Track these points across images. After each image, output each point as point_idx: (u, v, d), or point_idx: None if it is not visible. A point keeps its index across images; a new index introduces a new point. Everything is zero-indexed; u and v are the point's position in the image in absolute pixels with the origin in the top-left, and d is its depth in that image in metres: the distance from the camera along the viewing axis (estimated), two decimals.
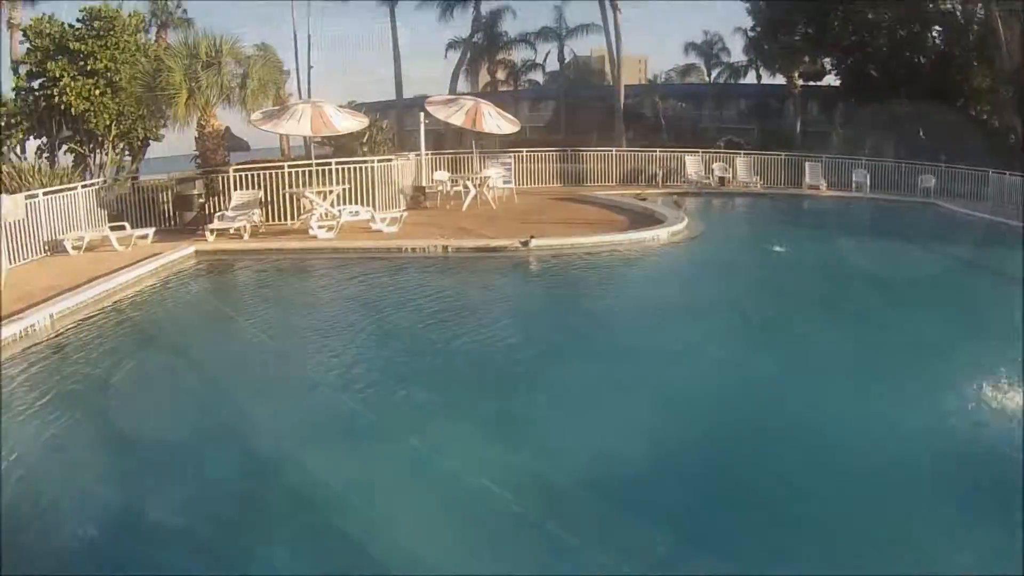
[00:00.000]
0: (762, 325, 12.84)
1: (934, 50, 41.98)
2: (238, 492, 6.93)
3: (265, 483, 7.03)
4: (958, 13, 41.24)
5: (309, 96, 48.64)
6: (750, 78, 64.58)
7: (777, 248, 19.61)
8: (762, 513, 6.54)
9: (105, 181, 22.78)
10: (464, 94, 30.21)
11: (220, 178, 22.02)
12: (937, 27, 42.04)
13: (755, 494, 6.84)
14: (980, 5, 39.83)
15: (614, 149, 37.08)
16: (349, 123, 22.70)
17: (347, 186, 22.03)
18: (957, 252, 20.65)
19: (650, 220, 21.94)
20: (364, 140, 28.50)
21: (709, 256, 18.97)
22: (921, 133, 41.33)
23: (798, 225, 27.37)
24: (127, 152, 29.58)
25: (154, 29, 43.81)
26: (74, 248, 17.82)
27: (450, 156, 31.58)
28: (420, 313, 12.94)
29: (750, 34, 53.89)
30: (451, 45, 58.86)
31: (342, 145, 29.02)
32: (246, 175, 21.84)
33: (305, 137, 24.85)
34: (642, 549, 5.97)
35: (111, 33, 25.66)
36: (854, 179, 33.77)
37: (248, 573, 5.78)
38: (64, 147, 26.97)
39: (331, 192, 21.29)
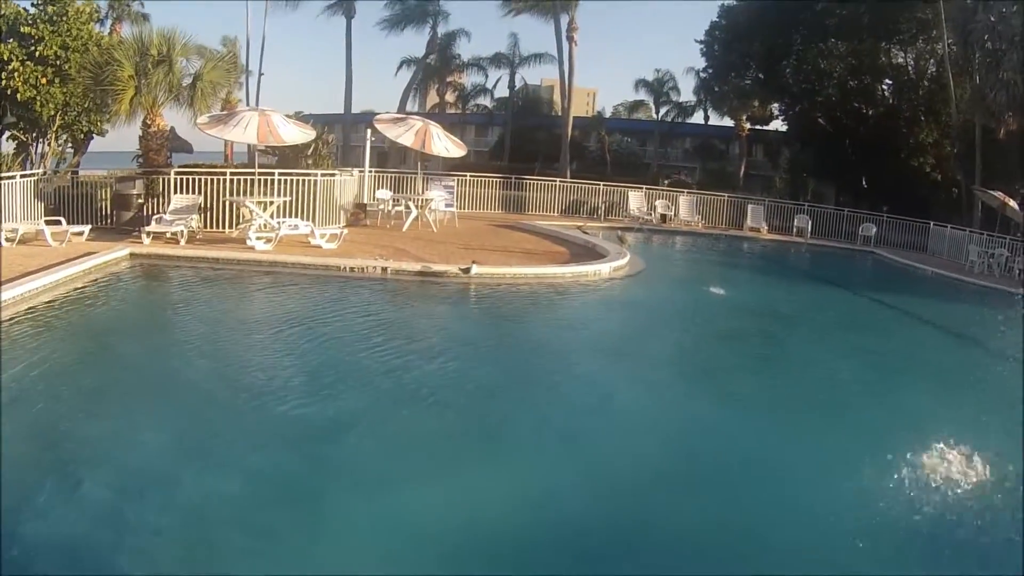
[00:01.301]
0: (700, 368, 12.76)
1: (883, 102, 42.68)
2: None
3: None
4: (910, 68, 41.96)
5: (257, 103, 48.31)
6: (697, 118, 65.21)
7: (716, 290, 19.46)
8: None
9: (45, 172, 22.20)
10: (413, 114, 29.80)
11: (161, 180, 21.48)
12: (888, 80, 42.72)
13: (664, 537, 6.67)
14: (932, 62, 40.59)
15: (558, 180, 37.05)
16: (296, 134, 22.25)
17: (288, 198, 21.57)
18: (892, 301, 20.86)
19: (591, 254, 21.78)
20: (310, 153, 28.12)
21: (649, 294, 18.74)
22: (864, 182, 41.99)
23: (739, 267, 27.51)
24: (70, 144, 28.85)
25: (109, 21, 43.10)
26: (7, 240, 17.30)
27: (394, 175, 31.27)
28: (342, 335, 12.41)
29: (702, 75, 54.39)
30: (404, 63, 58.71)
31: (286, 156, 28.62)
32: (187, 179, 21.29)
33: (249, 145, 24.37)
34: None
35: (63, 20, 24.93)
36: (796, 224, 34.09)
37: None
38: (7, 134, 26.13)
39: (272, 203, 20.84)
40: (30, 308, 12.26)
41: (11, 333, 10.82)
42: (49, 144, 26.56)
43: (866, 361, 13.74)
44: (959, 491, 7.45)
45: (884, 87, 43.52)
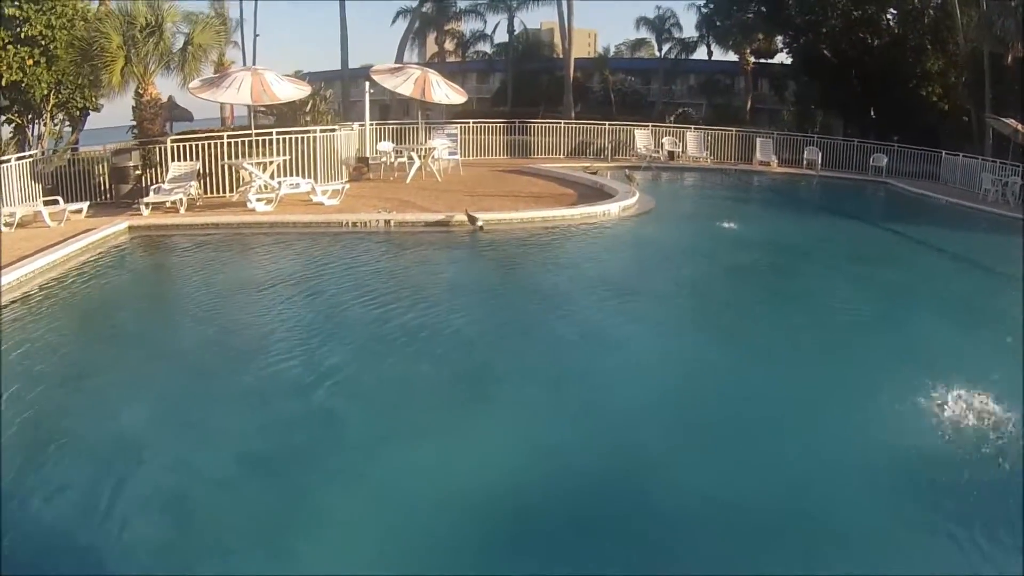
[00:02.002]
0: (713, 307, 12.36)
1: (888, 32, 41.89)
2: None
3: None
4: None
5: (255, 64, 47.73)
6: (701, 54, 64.32)
7: (729, 225, 19.04)
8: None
9: (43, 153, 21.95)
10: (411, 64, 29.22)
11: (157, 149, 21.14)
12: (892, 9, 41.94)
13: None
14: None
15: (562, 122, 36.45)
16: (291, 91, 21.84)
17: (287, 157, 21.21)
18: (910, 231, 20.38)
19: (600, 194, 21.38)
20: (307, 110, 27.67)
21: (661, 232, 18.35)
22: (872, 113, 41.38)
23: (751, 202, 27.04)
24: (67, 123, 28.47)
25: None
26: (5, 225, 16.94)
27: (395, 127, 30.80)
28: (350, 293, 12.01)
29: (703, 10, 53.54)
30: (400, 13, 57.85)
31: (284, 114, 28.18)
32: (184, 146, 20.98)
33: (248, 106, 23.94)
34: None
35: None
36: (805, 156, 33.60)
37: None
38: (2, 117, 25.76)
39: (270, 163, 20.49)
40: (25, 294, 11.89)
41: (6, 320, 10.51)
42: (45, 124, 26.20)
43: (889, 294, 13.29)
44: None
45: (888, 16, 42.67)
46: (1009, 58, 32.34)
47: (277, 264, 14.69)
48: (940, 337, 10.52)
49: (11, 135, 25.50)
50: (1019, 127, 26.76)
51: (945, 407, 7.39)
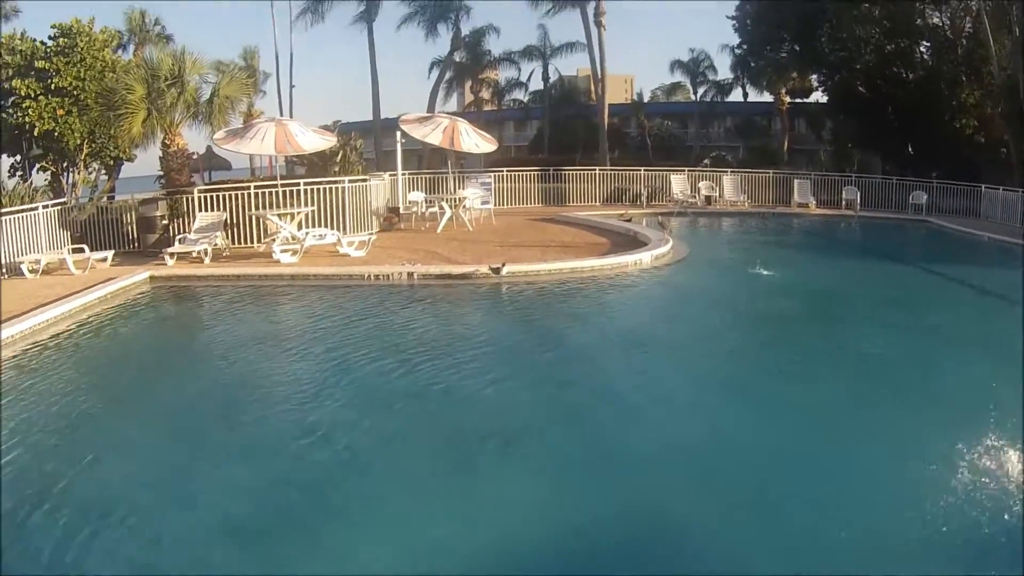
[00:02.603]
0: (748, 361, 11.64)
1: (922, 65, 41.32)
2: None
3: None
4: (946, 27, 40.59)
5: (291, 115, 48.03)
6: (736, 96, 64.12)
7: (766, 271, 18.41)
8: None
9: (75, 200, 22.36)
10: (440, 113, 29.02)
11: (185, 199, 21.19)
12: (925, 42, 41.36)
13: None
14: (968, 20, 39.20)
15: (597, 168, 36.09)
16: (316, 142, 21.69)
17: (314, 208, 21.06)
18: (953, 272, 19.60)
19: (633, 242, 20.92)
20: (338, 160, 27.58)
21: (694, 281, 17.74)
22: (909, 149, 40.76)
23: (789, 246, 26.28)
24: (103, 171, 28.73)
25: (132, 47, 43.22)
26: (30, 271, 17.21)
27: (428, 176, 30.71)
28: (359, 351, 11.39)
29: (736, 51, 53.22)
30: (435, 64, 57.99)
31: (315, 164, 28.11)
32: (211, 196, 21.12)
33: (279, 156, 23.92)
34: None
35: (75, 50, 24.72)
36: (844, 196, 32.96)
37: None
38: (36, 166, 26.01)
39: (297, 214, 20.31)
40: (35, 343, 11.74)
41: (17, 368, 10.24)
42: (79, 173, 26.39)
43: (941, 344, 12.41)
44: None
45: (922, 49, 42.06)
46: None
47: (288, 318, 14.47)
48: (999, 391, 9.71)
49: (46, 182, 25.82)
50: None
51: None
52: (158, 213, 20.96)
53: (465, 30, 53.93)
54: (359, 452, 7.92)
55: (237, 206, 21.04)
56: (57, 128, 24.23)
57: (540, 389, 10.02)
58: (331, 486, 7.20)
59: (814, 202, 33.15)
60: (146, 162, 28.31)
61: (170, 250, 18.65)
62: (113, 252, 19.08)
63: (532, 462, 7.76)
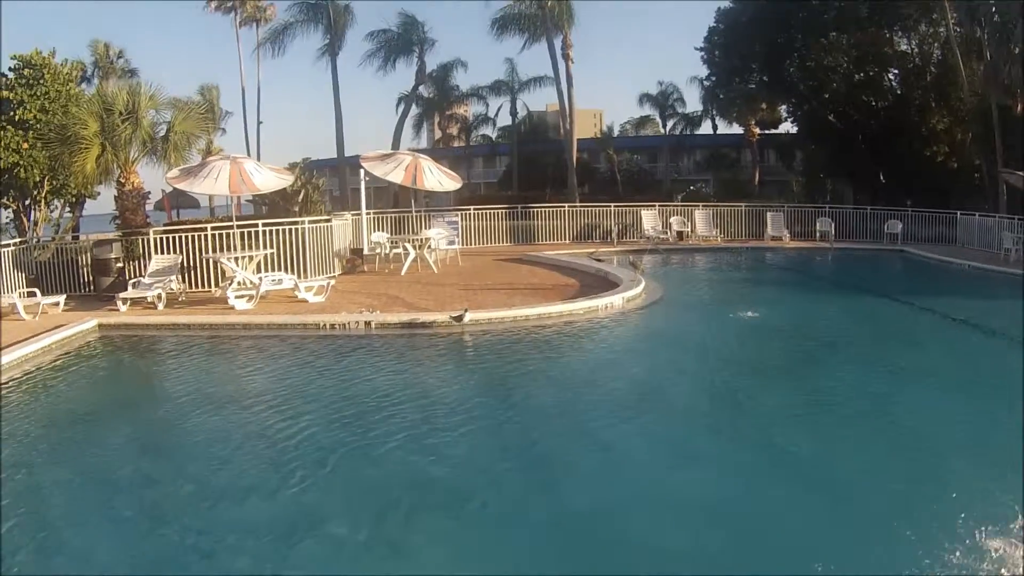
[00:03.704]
0: (734, 416, 10.42)
1: (891, 92, 41.42)
2: None
3: None
4: (915, 54, 40.52)
5: (259, 153, 47.20)
6: (706, 128, 63.96)
7: (744, 313, 17.52)
8: None
9: (37, 240, 21.74)
10: (401, 151, 28.09)
11: (140, 240, 20.41)
12: (894, 70, 41.31)
13: None
14: (936, 46, 39.13)
15: (567, 205, 35.32)
16: (272, 181, 20.76)
17: (272, 250, 20.15)
18: (936, 306, 18.63)
19: (604, 283, 20.07)
20: (299, 199, 26.73)
21: (669, 326, 16.70)
22: (881, 177, 40.61)
23: (764, 283, 25.35)
24: (67, 209, 27.68)
25: (96, 80, 42.63)
26: None
27: (393, 215, 29.83)
28: (294, 412, 10.27)
29: (705, 83, 53.10)
30: (401, 99, 57.28)
31: (276, 204, 27.26)
32: (167, 237, 20.29)
33: (244, 196, 23.05)
34: None
35: (41, 82, 23.79)
36: (818, 228, 32.56)
37: None
38: None
39: (252, 258, 19.40)
40: None
41: None
42: (40, 211, 25.36)
43: (936, 386, 11.59)
44: None
45: (891, 77, 42.24)
46: (1018, 107, 31.52)
47: (227, 375, 13.26)
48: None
49: (8, 220, 24.90)
50: None
51: None
52: (112, 255, 20.02)
53: (432, 64, 53.02)
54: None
55: (194, 248, 20.20)
56: (21, 161, 23.18)
57: (485, 471, 8.58)
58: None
59: (788, 235, 32.66)
60: (110, 200, 27.43)
61: (123, 295, 17.83)
62: (66, 296, 18.26)
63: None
